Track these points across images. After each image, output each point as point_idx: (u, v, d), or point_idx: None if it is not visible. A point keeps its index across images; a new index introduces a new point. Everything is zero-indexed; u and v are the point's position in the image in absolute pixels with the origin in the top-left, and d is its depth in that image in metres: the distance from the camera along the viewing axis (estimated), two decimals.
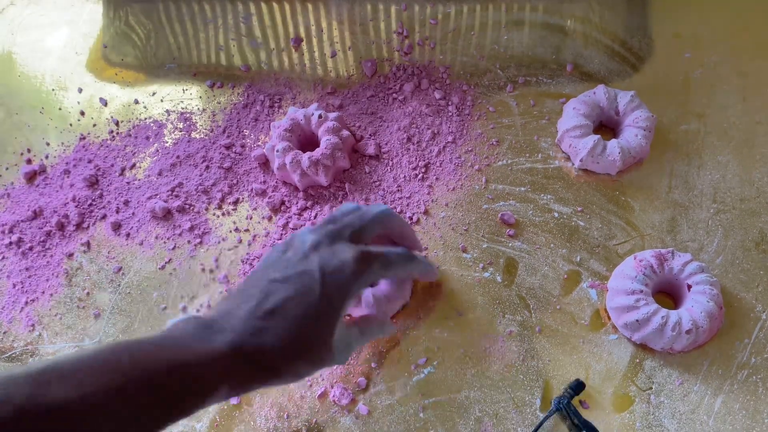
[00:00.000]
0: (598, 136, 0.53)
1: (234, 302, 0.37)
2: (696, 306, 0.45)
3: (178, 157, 0.59)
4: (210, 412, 0.48)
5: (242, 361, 0.34)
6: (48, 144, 0.62)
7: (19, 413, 0.27)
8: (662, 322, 0.44)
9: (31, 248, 0.56)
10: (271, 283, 0.37)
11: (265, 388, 0.40)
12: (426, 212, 0.54)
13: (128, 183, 0.59)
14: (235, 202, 0.57)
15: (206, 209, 0.57)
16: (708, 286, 0.46)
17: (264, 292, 0.36)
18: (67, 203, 0.58)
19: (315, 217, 0.55)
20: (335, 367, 0.48)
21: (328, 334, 0.37)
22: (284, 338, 0.35)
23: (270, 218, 0.55)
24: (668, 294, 0.49)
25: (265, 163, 0.58)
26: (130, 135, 0.62)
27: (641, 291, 0.46)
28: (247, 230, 0.55)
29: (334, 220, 0.41)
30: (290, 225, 0.54)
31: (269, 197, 0.56)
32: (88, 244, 0.56)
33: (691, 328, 0.44)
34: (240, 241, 0.55)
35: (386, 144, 0.57)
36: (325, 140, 0.54)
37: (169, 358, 0.32)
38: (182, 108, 0.63)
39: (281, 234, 0.54)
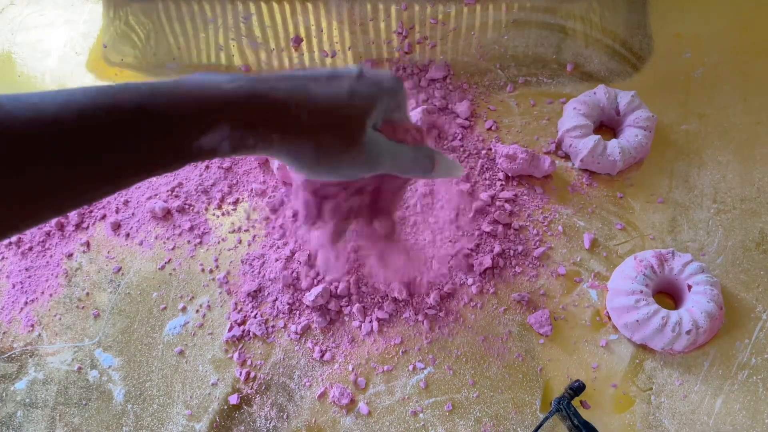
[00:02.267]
0: (599, 136, 0.53)
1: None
2: (696, 306, 0.45)
3: None
4: (210, 412, 0.48)
5: (249, 96, 0.30)
6: None
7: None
8: (662, 323, 0.44)
9: (30, 248, 0.56)
10: (310, 76, 0.33)
11: (273, 152, 0.32)
12: (426, 213, 0.54)
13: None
14: (235, 202, 0.57)
15: (206, 209, 0.57)
16: (708, 286, 0.46)
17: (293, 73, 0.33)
18: None
19: None
20: (335, 367, 0.48)
21: (358, 113, 0.33)
22: (301, 86, 0.32)
23: (270, 218, 0.55)
24: (668, 294, 0.49)
25: (265, 163, 0.58)
26: None
27: (641, 291, 0.46)
28: (246, 230, 0.55)
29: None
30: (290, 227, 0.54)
31: (269, 197, 0.56)
32: (87, 244, 0.56)
33: (691, 328, 0.44)
34: (240, 242, 0.55)
35: None
36: None
37: (154, 89, 0.28)
38: None
39: (281, 234, 0.54)
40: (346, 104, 0.32)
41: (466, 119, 0.57)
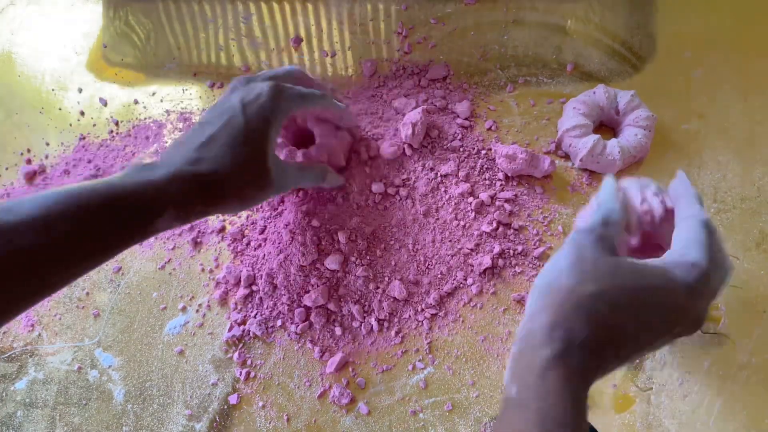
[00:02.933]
0: (598, 135, 0.53)
1: (171, 149, 0.41)
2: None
3: None
4: (210, 412, 0.48)
5: (181, 183, 0.38)
6: (48, 144, 0.62)
7: None
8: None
9: None
10: (201, 126, 0.41)
11: (213, 213, 0.42)
12: (426, 213, 0.54)
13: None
14: None
15: None
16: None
17: (195, 132, 0.41)
18: None
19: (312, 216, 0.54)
20: (333, 367, 0.48)
21: (260, 157, 0.41)
22: (219, 161, 0.39)
23: (270, 217, 0.55)
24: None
25: None
26: (129, 135, 0.62)
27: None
28: (246, 230, 0.55)
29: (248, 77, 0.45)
30: (290, 227, 0.54)
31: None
32: None
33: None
34: (240, 241, 0.55)
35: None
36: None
37: (111, 190, 0.36)
38: (182, 108, 0.63)
39: (281, 233, 0.54)
40: (245, 145, 0.40)
41: (466, 119, 0.57)
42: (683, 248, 0.33)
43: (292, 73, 0.47)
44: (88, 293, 0.54)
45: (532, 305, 0.33)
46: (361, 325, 0.50)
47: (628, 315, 0.31)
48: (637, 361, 0.46)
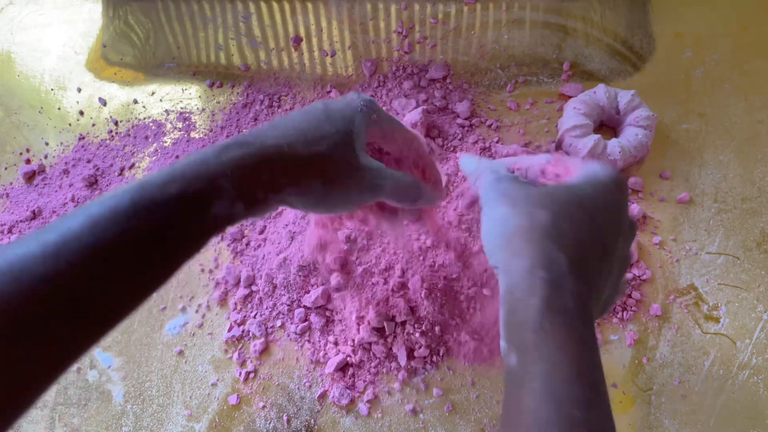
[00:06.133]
0: (599, 135, 0.53)
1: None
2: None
3: (177, 157, 0.59)
4: (209, 413, 0.48)
5: (239, 151, 0.30)
6: (47, 144, 0.62)
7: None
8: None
9: None
10: (282, 119, 0.34)
11: (293, 199, 0.32)
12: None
13: (127, 183, 0.59)
14: None
15: None
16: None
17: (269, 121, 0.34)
18: (66, 203, 0.58)
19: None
20: (331, 368, 0.48)
21: (345, 140, 0.33)
22: (291, 129, 0.32)
23: (269, 217, 0.55)
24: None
25: None
26: (129, 135, 0.62)
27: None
28: (246, 230, 0.55)
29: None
30: (289, 227, 0.54)
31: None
32: None
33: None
34: (240, 242, 0.55)
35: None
36: None
37: (155, 176, 0.28)
38: (181, 108, 0.62)
39: (281, 233, 0.54)
40: (331, 134, 0.32)
41: (466, 119, 0.57)
42: (586, 166, 0.33)
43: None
44: None
45: (498, 261, 0.30)
46: (359, 327, 0.50)
47: (586, 225, 0.30)
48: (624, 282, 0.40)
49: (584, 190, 0.31)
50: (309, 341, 0.50)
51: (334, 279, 0.50)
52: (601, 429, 0.25)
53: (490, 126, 0.57)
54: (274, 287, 0.52)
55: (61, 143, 0.62)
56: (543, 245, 0.28)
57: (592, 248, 0.29)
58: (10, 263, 0.24)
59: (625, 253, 0.33)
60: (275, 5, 0.67)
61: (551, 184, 0.33)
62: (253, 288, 0.52)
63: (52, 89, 0.66)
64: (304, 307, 0.51)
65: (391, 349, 0.48)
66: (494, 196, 0.32)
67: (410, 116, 0.54)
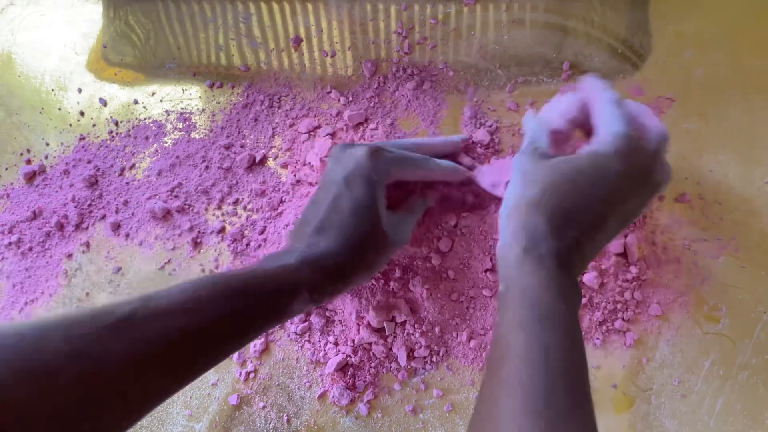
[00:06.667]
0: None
1: (296, 230, 0.43)
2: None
3: (177, 157, 0.59)
4: (210, 413, 0.48)
5: (309, 267, 0.39)
6: (47, 144, 0.62)
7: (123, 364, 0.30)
8: None
9: (30, 249, 0.56)
10: (315, 205, 0.43)
11: (345, 290, 0.42)
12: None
13: (128, 183, 0.59)
14: (235, 203, 0.57)
15: (206, 210, 0.57)
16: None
17: (311, 212, 0.42)
18: (67, 203, 0.58)
19: None
20: (331, 368, 0.48)
21: (374, 223, 0.42)
22: (336, 240, 0.40)
23: (270, 218, 0.55)
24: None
25: (262, 162, 0.58)
26: (129, 135, 0.62)
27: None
28: (246, 230, 0.55)
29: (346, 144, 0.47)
30: (290, 227, 0.54)
31: (269, 197, 0.56)
32: (87, 245, 0.56)
33: None
34: (239, 242, 0.55)
35: None
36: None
37: (251, 274, 0.37)
38: (182, 108, 0.63)
39: (281, 233, 0.54)
40: (356, 222, 0.41)
41: (467, 119, 0.57)
42: (604, 127, 0.38)
43: (398, 143, 0.48)
44: (87, 293, 0.54)
45: (502, 230, 0.38)
46: (359, 327, 0.50)
47: (576, 196, 0.36)
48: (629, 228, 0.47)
49: (580, 164, 0.37)
50: (309, 341, 0.50)
51: None
52: (554, 346, 0.31)
53: (490, 127, 0.57)
54: None
55: (62, 144, 0.62)
56: (530, 213, 0.36)
57: (583, 212, 0.36)
58: (161, 314, 0.32)
59: (645, 197, 0.40)
60: (275, 6, 0.67)
61: (564, 156, 0.39)
62: None
63: (52, 90, 0.66)
64: None
65: (391, 349, 0.48)
66: (515, 172, 0.40)
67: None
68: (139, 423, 0.48)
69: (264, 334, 0.50)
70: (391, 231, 0.43)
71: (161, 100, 0.63)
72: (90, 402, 0.28)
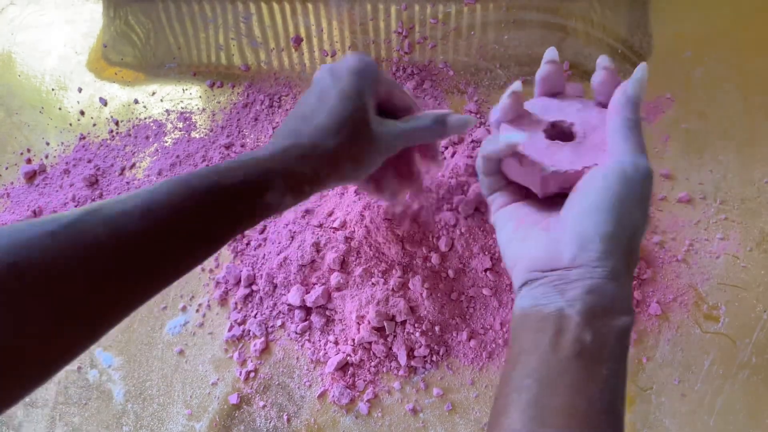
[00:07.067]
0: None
1: (275, 132, 0.40)
2: None
3: (177, 156, 0.59)
4: (210, 412, 0.48)
5: (284, 154, 0.36)
6: (48, 144, 0.62)
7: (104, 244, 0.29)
8: None
9: None
10: (298, 105, 0.40)
11: (331, 181, 0.39)
12: None
13: (128, 183, 0.59)
14: None
15: None
16: None
17: (294, 111, 0.40)
18: (67, 203, 0.58)
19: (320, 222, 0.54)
20: (331, 367, 0.48)
21: (361, 114, 0.38)
22: (318, 126, 0.37)
23: (270, 218, 0.55)
24: None
25: None
26: (129, 135, 0.62)
27: None
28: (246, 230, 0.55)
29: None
30: (290, 227, 0.54)
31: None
32: None
33: None
34: (240, 241, 0.55)
35: None
36: None
37: (214, 170, 0.34)
38: (182, 108, 0.63)
39: (281, 233, 0.54)
40: (350, 117, 0.38)
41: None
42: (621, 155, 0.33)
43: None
44: None
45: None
46: (360, 326, 0.50)
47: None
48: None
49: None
50: (309, 340, 0.50)
51: (334, 278, 0.50)
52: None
53: (490, 126, 0.57)
54: (275, 287, 0.52)
55: (62, 143, 0.62)
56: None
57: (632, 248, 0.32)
58: (113, 218, 0.30)
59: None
60: (275, 6, 0.67)
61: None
62: (254, 287, 0.52)
63: (52, 89, 0.66)
64: (305, 306, 0.51)
65: (391, 348, 0.48)
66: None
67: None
68: (139, 421, 0.48)
69: (264, 333, 0.50)
70: (380, 133, 0.39)
71: (161, 100, 0.63)
72: (35, 314, 0.26)
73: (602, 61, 0.40)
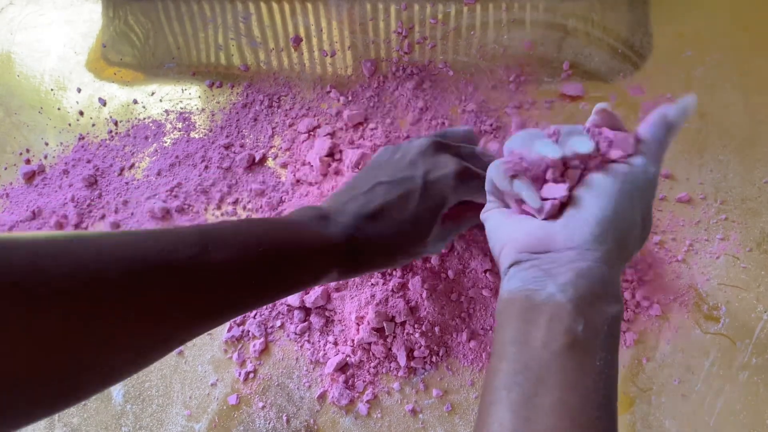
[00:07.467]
0: None
1: (345, 198, 0.41)
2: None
3: (177, 157, 0.59)
4: (209, 413, 0.48)
5: (350, 251, 0.38)
6: (47, 144, 0.62)
7: (187, 268, 0.30)
8: None
9: None
10: (378, 186, 0.40)
11: (367, 273, 0.45)
12: None
13: (127, 183, 0.59)
14: (234, 203, 0.56)
15: (205, 209, 0.57)
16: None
17: (371, 193, 0.40)
18: (66, 203, 0.58)
19: None
20: (331, 368, 0.48)
21: (424, 234, 0.41)
22: (385, 236, 0.39)
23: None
24: None
25: (262, 162, 0.58)
26: (128, 135, 0.62)
27: None
28: None
29: (444, 135, 0.44)
30: None
31: (268, 197, 0.56)
32: None
33: None
34: None
35: (387, 143, 0.57)
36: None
37: (294, 235, 0.36)
38: (181, 108, 0.62)
39: None
40: (415, 224, 0.40)
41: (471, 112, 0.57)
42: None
43: (469, 134, 0.47)
44: None
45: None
46: (359, 327, 0.50)
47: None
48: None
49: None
50: (309, 341, 0.50)
51: None
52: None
53: (490, 126, 0.57)
54: None
55: (61, 143, 0.62)
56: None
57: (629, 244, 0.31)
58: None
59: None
60: (275, 5, 0.67)
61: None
62: None
63: (52, 89, 0.66)
64: (304, 307, 0.50)
65: (390, 349, 0.48)
66: None
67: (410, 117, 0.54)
68: (138, 422, 0.48)
69: (263, 334, 0.50)
70: (432, 242, 0.42)
71: (161, 100, 0.63)
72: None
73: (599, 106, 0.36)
